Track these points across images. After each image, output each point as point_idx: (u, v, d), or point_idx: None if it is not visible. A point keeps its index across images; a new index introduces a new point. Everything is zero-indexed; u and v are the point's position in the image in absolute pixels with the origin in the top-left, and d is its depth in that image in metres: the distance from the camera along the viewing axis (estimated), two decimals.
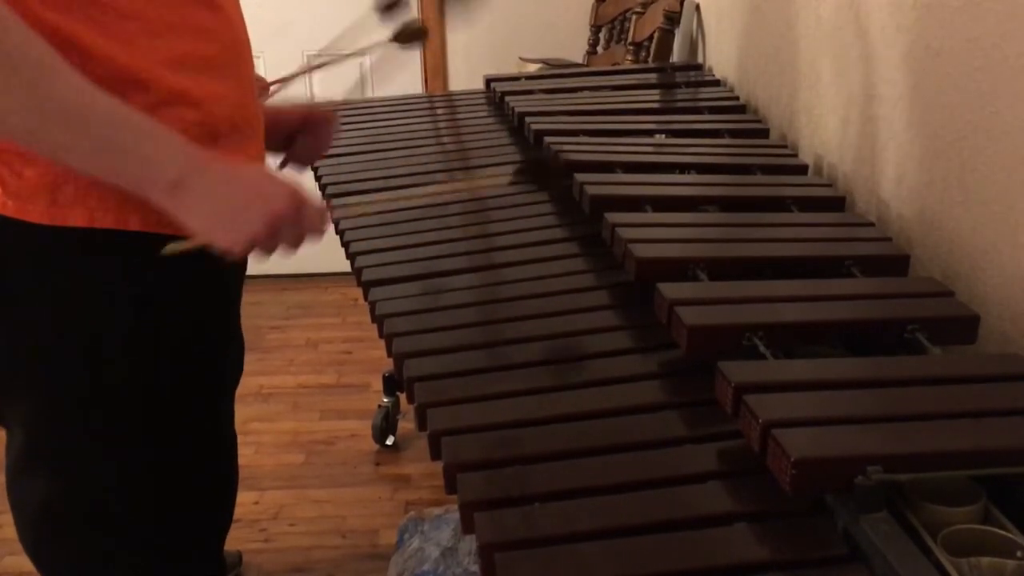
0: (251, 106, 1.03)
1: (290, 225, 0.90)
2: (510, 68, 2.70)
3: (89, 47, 0.86)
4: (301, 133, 1.19)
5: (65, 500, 1.00)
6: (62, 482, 1.00)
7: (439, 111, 1.96)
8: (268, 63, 2.97)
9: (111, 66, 0.87)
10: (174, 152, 0.86)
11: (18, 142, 0.85)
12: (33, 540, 1.04)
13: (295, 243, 0.92)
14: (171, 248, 0.91)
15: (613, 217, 1.17)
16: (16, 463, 1.01)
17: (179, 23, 0.91)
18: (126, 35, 0.87)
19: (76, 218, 0.90)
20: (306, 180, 1.15)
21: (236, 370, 1.17)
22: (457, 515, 1.16)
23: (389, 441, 2.22)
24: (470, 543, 1.69)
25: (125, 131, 0.84)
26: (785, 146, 1.59)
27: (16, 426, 1.00)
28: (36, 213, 0.90)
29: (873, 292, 1.03)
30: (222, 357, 1.10)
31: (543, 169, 1.27)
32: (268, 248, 0.91)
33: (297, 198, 0.91)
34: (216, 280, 1.04)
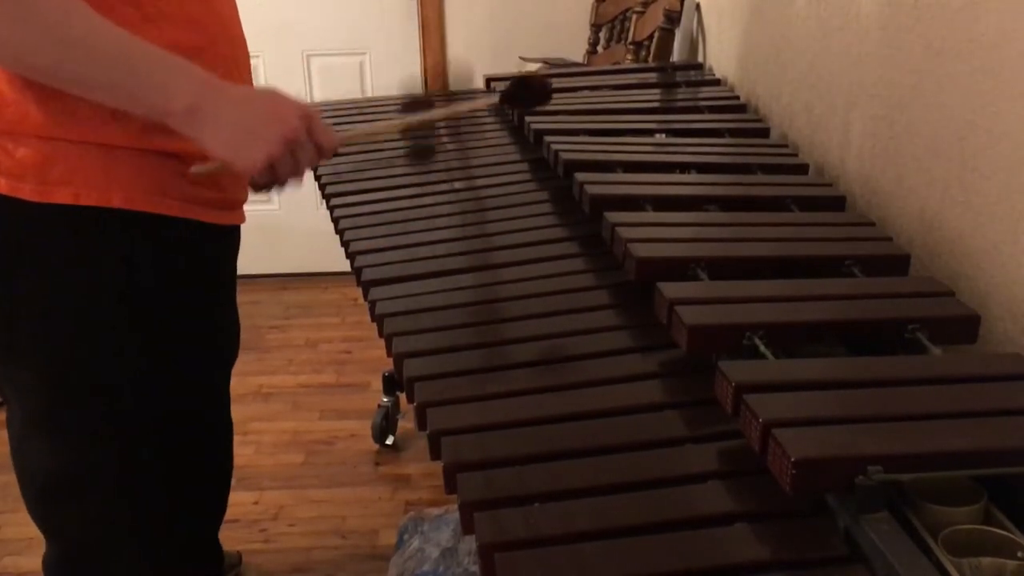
0: None
1: (303, 144, 0.93)
2: (510, 68, 2.70)
3: None
4: None
5: (67, 468, 1.03)
6: (63, 451, 1.02)
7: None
8: (268, 63, 2.97)
9: None
10: (189, 79, 0.90)
11: (40, 78, 0.88)
12: (39, 507, 1.07)
13: (308, 163, 0.95)
14: (196, 170, 0.96)
15: (613, 217, 1.17)
16: (19, 434, 1.04)
17: (173, 12, 0.95)
18: (124, 19, 0.90)
19: (62, 195, 0.93)
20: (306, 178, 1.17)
21: (232, 345, 1.19)
22: (457, 515, 1.16)
23: (389, 441, 2.22)
24: (470, 543, 1.69)
25: (140, 61, 0.88)
26: (785, 145, 1.58)
27: (15, 398, 1.03)
28: (27, 191, 0.93)
29: (874, 292, 1.03)
30: (210, 330, 1.11)
31: (525, 91, 1.23)
32: (284, 170, 0.93)
33: (309, 118, 0.94)
34: (202, 255, 1.06)
